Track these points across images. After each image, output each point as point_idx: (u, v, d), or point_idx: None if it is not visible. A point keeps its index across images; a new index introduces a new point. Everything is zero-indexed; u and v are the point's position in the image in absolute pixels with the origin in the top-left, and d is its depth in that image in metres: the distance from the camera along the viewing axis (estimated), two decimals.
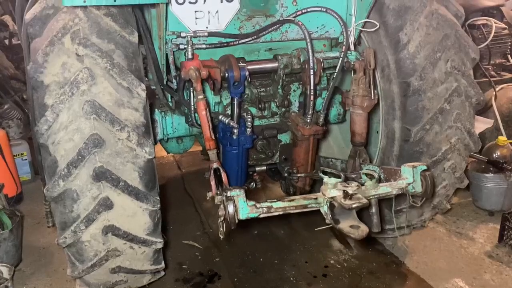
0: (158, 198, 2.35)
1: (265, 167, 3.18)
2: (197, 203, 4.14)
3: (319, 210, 2.26)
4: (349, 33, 2.67)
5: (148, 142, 2.26)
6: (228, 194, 2.15)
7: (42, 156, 2.23)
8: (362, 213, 2.26)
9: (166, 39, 2.50)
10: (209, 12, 2.57)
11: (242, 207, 2.13)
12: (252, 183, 3.15)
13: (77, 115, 2.11)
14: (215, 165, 2.49)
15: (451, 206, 3.44)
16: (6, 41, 6.50)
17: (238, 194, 2.15)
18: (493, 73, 4.64)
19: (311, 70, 2.60)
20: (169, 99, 3.00)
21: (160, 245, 2.45)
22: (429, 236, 3.50)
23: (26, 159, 4.60)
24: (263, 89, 2.95)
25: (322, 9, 2.65)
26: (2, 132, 4.14)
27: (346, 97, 2.70)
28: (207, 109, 2.47)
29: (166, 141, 3.38)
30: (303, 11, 2.66)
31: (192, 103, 2.75)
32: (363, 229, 2.12)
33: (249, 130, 2.71)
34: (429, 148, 2.72)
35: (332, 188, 2.16)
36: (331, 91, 2.76)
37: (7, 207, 3.70)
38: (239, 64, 2.56)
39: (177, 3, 2.49)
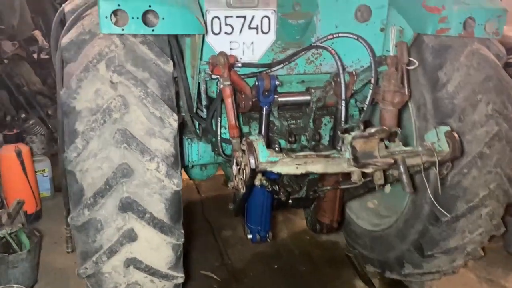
0: (183, 231, 2.28)
1: None
2: (216, 231, 4.04)
3: None
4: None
5: (177, 173, 2.19)
6: (248, 139, 2.09)
7: (68, 183, 2.18)
8: None
9: (199, 69, 2.46)
10: (244, 43, 2.53)
11: (262, 151, 2.05)
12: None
13: (108, 143, 2.07)
14: (238, 154, 2.39)
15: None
16: (35, 55, 6.63)
17: (257, 138, 2.10)
18: None
19: (343, 102, 2.54)
20: (197, 127, 2.95)
21: (181, 280, 2.36)
22: (458, 282, 3.34)
23: (47, 176, 4.59)
24: (293, 121, 2.88)
25: (354, 36, 2.58)
26: (26, 148, 4.14)
27: (376, 93, 2.57)
28: (233, 96, 2.38)
29: (190, 167, 3.32)
30: (334, 35, 2.59)
31: (219, 133, 2.70)
32: (389, 158, 2.03)
33: None
34: (465, 193, 2.60)
35: None
36: (363, 120, 2.68)
37: (26, 224, 3.67)
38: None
39: (213, 33, 2.46)
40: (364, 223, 3.50)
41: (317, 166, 2.01)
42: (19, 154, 3.99)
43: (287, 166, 1.99)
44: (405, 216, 2.97)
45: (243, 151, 2.08)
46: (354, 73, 2.59)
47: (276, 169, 1.98)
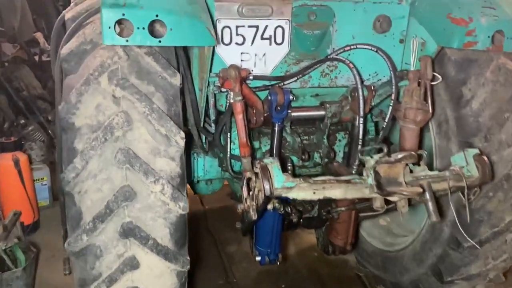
0: (188, 258, 2.12)
1: None
2: (220, 246, 3.88)
3: None
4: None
5: (183, 195, 2.03)
6: (262, 162, 1.94)
7: (66, 204, 2.02)
8: None
9: (208, 81, 2.30)
10: (256, 55, 2.37)
11: (277, 175, 1.90)
12: None
13: (109, 163, 1.90)
14: (248, 174, 2.22)
15: None
16: (36, 57, 6.49)
17: (272, 161, 1.94)
18: None
19: (361, 119, 2.39)
20: (203, 141, 2.80)
21: None
22: None
23: (46, 184, 4.44)
24: (306, 137, 2.72)
25: (373, 48, 2.43)
26: (24, 157, 4.00)
27: (396, 110, 2.42)
28: (244, 112, 2.24)
29: (195, 182, 3.16)
30: (351, 47, 2.44)
31: (228, 149, 2.54)
32: (416, 188, 1.89)
33: None
34: (490, 217, 2.44)
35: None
36: (381, 138, 2.53)
37: (23, 237, 3.53)
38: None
39: (223, 43, 2.30)
40: (376, 241, 3.34)
41: (336, 192, 1.86)
42: (16, 163, 3.86)
43: (303, 192, 1.83)
44: (423, 238, 2.81)
45: (256, 174, 1.92)
46: (372, 88, 2.43)
47: (292, 194, 1.83)
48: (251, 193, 1.93)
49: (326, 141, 2.65)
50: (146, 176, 1.93)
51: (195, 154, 2.89)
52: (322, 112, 2.57)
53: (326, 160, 2.70)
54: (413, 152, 1.84)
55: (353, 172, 2.47)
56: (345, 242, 2.72)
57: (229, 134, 2.50)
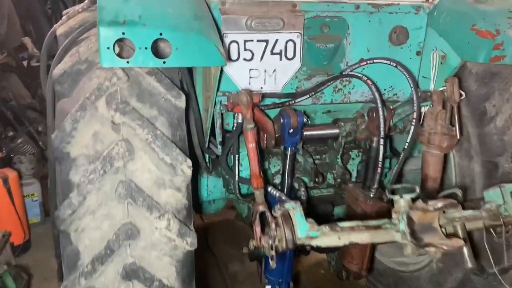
0: None
1: None
2: (222, 264, 3.70)
3: None
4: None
5: (190, 230, 1.86)
6: (283, 207, 1.75)
7: (61, 244, 1.82)
8: None
9: (215, 101, 2.12)
10: (265, 71, 2.19)
11: (300, 223, 1.71)
12: None
13: (109, 198, 1.72)
14: (261, 208, 2.05)
15: None
16: (25, 63, 6.24)
17: (294, 207, 1.75)
18: None
19: (381, 140, 2.23)
20: (207, 160, 2.61)
21: None
22: None
23: (36, 200, 4.23)
24: (318, 156, 2.55)
25: (392, 63, 2.27)
26: (13, 174, 3.78)
27: (419, 134, 2.29)
28: (256, 141, 2.07)
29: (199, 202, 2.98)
30: (368, 61, 2.28)
31: (236, 172, 2.36)
32: (457, 240, 1.73)
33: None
34: None
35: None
36: (401, 163, 2.37)
37: (13, 260, 3.32)
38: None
39: (230, 59, 2.12)
40: (388, 260, 3.18)
41: (362, 236, 1.69)
42: (5, 181, 3.65)
43: (328, 238, 1.66)
44: (441, 260, 2.65)
45: (274, 218, 1.74)
46: (390, 107, 2.27)
47: (316, 242, 1.66)
48: (270, 242, 1.74)
49: (340, 161, 2.48)
50: (150, 211, 1.75)
51: (198, 175, 2.70)
52: (336, 131, 2.41)
53: (339, 181, 2.53)
54: (453, 200, 1.69)
55: (371, 195, 2.31)
56: (360, 268, 2.55)
57: (237, 156, 2.32)
